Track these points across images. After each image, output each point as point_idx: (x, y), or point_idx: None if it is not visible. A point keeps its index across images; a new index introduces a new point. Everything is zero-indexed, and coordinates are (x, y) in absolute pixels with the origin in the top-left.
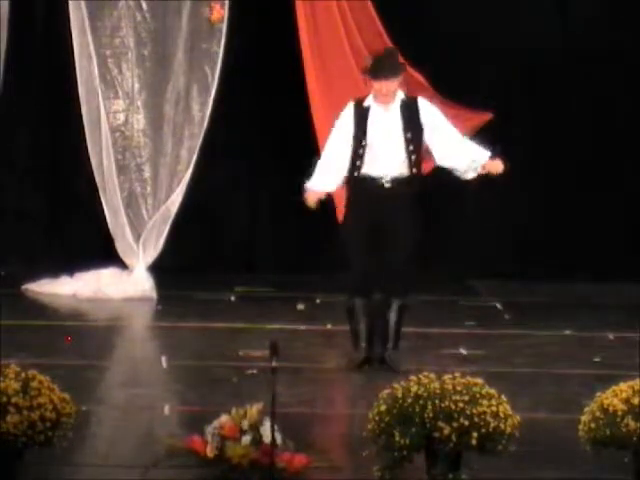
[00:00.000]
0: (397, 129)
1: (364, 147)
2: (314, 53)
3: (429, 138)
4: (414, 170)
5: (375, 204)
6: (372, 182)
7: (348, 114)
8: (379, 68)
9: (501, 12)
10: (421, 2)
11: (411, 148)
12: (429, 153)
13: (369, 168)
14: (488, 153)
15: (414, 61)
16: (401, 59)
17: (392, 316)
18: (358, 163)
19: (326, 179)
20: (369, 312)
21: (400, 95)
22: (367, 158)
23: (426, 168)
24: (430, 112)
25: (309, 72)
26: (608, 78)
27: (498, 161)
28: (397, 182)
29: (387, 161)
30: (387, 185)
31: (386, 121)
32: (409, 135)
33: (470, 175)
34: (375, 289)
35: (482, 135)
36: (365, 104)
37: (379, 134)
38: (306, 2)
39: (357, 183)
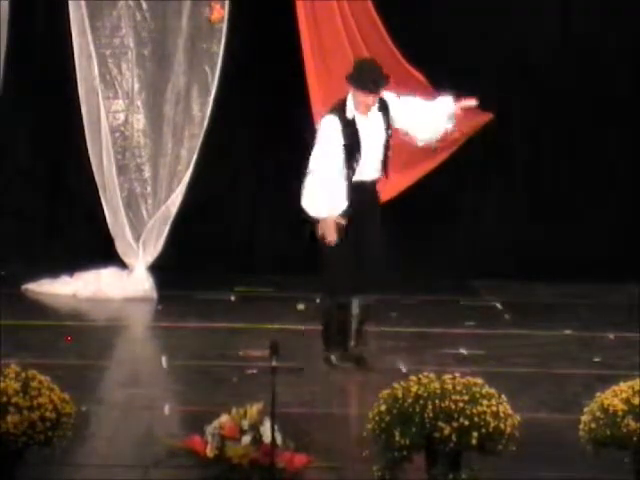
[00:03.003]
0: (381, 133)
1: (358, 159)
2: (314, 53)
3: (403, 123)
4: (386, 169)
5: (358, 208)
6: (358, 187)
7: (335, 128)
8: (369, 81)
9: (501, 12)
10: (421, 2)
11: (387, 148)
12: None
13: (358, 175)
14: (450, 99)
15: (414, 61)
16: (384, 71)
17: (357, 315)
18: (350, 173)
19: (338, 198)
20: (345, 312)
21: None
22: (358, 167)
23: (393, 190)
24: (395, 102)
25: (309, 72)
26: (608, 78)
27: (467, 100)
28: (373, 184)
29: (372, 165)
30: (367, 187)
31: (370, 128)
32: (387, 136)
33: (449, 125)
34: (350, 290)
35: (482, 135)
36: (348, 115)
37: (367, 142)
38: (306, 2)
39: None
